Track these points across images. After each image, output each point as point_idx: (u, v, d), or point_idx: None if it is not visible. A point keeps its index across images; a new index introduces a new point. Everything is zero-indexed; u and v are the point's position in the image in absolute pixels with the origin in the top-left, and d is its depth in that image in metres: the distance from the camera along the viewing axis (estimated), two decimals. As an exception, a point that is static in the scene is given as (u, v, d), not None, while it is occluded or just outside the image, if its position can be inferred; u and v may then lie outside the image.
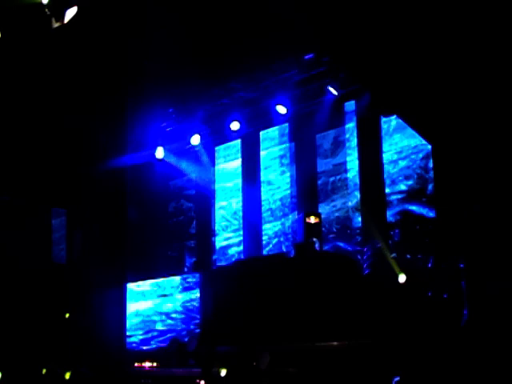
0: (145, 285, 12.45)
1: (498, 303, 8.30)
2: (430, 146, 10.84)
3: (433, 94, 9.05)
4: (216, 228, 13.88)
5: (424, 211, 10.76)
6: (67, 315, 12.72)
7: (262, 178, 13.38)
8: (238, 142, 13.83)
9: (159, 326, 11.98)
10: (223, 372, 9.45)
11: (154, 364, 10.68)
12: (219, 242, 13.79)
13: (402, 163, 11.36)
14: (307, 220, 10.95)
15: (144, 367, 10.73)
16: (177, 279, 12.09)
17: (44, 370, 11.01)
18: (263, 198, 13.27)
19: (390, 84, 9.75)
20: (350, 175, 12.01)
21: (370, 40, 9.42)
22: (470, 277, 8.80)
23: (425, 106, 9.35)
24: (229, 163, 14.04)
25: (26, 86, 11.55)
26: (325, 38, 10.51)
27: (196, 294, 11.69)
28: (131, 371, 10.64)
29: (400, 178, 11.33)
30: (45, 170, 13.17)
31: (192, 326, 11.44)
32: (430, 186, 10.86)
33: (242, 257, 13.04)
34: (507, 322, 8.06)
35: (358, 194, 11.74)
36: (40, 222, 14.47)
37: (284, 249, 12.39)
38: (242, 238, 13.37)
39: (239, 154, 13.82)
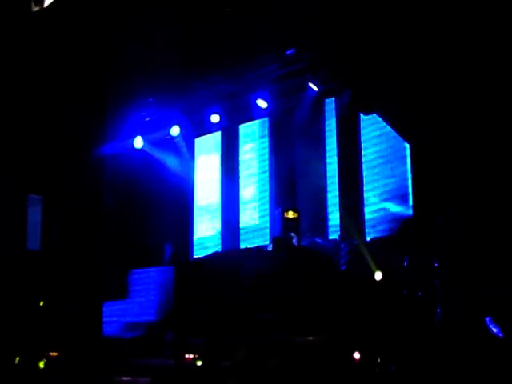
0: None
1: (471, 302, 8.50)
2: (407, 145, 11.01)
3: (412, 94, 9.18)
4: (194, 220, 13.92)
5: (401, 209, 10.93)
6: (41, 303, 12.66)
7: (241, 172, 13.45)
8: (218, 134, 13.85)
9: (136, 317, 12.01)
10: (199, 363, 9.53)
11: None
12: (197, 235, 13.84)
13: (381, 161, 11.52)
14: (285, 215, 11.07)
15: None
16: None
17: (17, 359, 10.96)
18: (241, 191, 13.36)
19: (370, 83, 9.88)
20: (329, 171, 12.12)
21: (352, 38, 9.53)
22: (444, 276, 8.98)
23: (404, 105, 9.50)
24: (208, 155, 14.08)
25: (4, 73, 11.43)
26: (307, 34, 10.63)
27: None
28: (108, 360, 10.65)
29: (378, 176, 11.48)
30: (22, 156, 13.05)
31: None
32: (407, 185, 11.02)
33: (220, 250, 13.11)
34: (479, 320, 8.26)
35: (336, 191, 11.87)
36: (15, 208, 14.33)
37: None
38: (220, 230, 13.44)
39: (219, 147, 13.86)
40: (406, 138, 10.56)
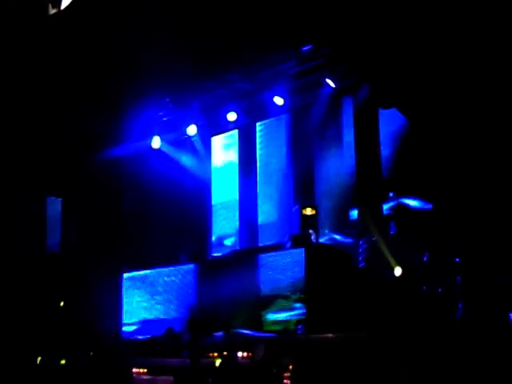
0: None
1: (493, 298, 8.36)
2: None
3: (432, 88, 9.06)
4: (212, 219, 13.88)
5: (421, 205, 10.79)
6: (62, 304, 12.73)
7: (259, 169, 13.40)
8: (235, 132, 13.81)
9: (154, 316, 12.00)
10: (218, 362, 9.50)
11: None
12: (215, 233, 13.80)
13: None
14: (303, 212, 10.98)
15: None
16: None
17: (39, 359, 11.03)
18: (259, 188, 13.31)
19: (389, 77, 9.76)
20: (347, 168, 12.02)
21: (369, 32, 9.43)
22: (466, 271, 8.85)
23: (424, 99, 9.37)
24: (225, 153, 14.04)
25: (22, 75, 11.50)
26: (323, 30, 10.53)
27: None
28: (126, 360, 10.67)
29: (397, 171, 11.35)
30: (40, 159, 13.13)
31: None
32: (428, 180, 10.88)
33: (238, 248, 13.06)
34: (501, 316, 8.12)
35: (355, 187, 11.76)
36: (34, 210, 14.43)
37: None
38: (238, 228, 13.39)
39: (236, 145, 13.81)
40: (427, 132, 10.43)
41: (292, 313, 9.96)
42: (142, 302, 12.12)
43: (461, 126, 8.99)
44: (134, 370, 10.41)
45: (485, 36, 8.39)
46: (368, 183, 11.59)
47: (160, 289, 12.00)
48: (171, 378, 10.00)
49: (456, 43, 8.61)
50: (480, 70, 8.56)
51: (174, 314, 11.60)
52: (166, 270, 12.06)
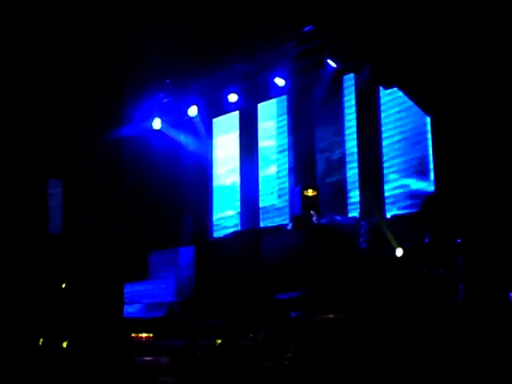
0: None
1: (494, 278, 8.33)
2: (428, 120, 10.79)
3: (434, 65, 8.96)
4: (213, 200, 13.87)
5: (422, 186, 10.75)
6: (63, 285, 12.75)
7: (260, 151, 13.35)
8: (236, 113, 13.74)
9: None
10: (218, 342, 9.51)
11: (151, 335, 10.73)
12: (216, 215, 13.79)
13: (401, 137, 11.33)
14: (305, 193, 10.95)
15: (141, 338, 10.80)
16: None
17: (41, 341, 11.06)
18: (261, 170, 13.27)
19: (390, 56, 9.66)
20: (348, 148, 11.96)
21: (369, 11, 9.32)
22: (467, 252, 8.82)
23: (425, 77, 9.27)
24: (226, 135, 13.99)
25: (21, 56, 11.44)
26: (323, 10, 10.42)
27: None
28: (128, 341, 10.70)
29: (399, 151, 11.30)
30: (41, 141, 13.10)
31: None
32: (428, 161, 10.83)
33: (239, 229, 13.05)
34: (502, 298, 8.09)
35: (356, 168, 11.72)
36: (35, 192, 14.41)
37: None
38: (239, 210, 13.38)
39: (237, 126, 13.75)
40: (428, 110, 10.34)
41: (293, 294, 9.96)
42: (144, 283, 12.17)
43: (465, 103, 8.90)
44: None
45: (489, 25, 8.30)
46: (369, 163, 11.54)
47: (160, 269, 12.03)
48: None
49: (464, 18, 8.51)
50: (482, 51, 8.46)
51: (175, 295, 11.63)
52: (167, 250, 12.07)
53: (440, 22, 8.49)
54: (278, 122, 13.20)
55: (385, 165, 11.40)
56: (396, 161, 11.29)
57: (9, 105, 12.28)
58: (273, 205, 12.86)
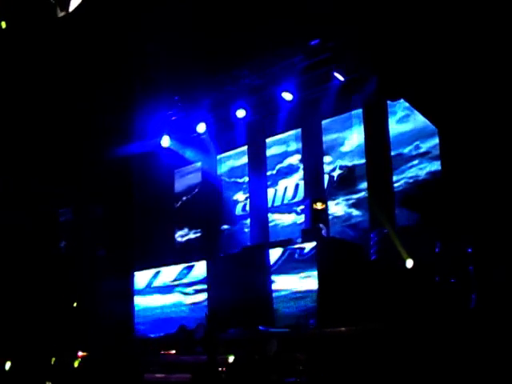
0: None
1: (506, 288, 8.25)
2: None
3: (440, 78, 8.98)
4: (223, 215, 13.87)
5: (431, 196, 10.70)
6: (75, 304, 12.77)
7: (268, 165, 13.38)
8: (244, 128, 13.78)
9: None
10: (231, 358, 9.44)
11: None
12: (227, 230, 13.78)
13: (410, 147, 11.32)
14: (314, 206, 10.93)
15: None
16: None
17: (53, 360, 11.05)
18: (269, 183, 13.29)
19: (397, 68, 9.69)
20: (356, 162, 11.96)
21: (377, 24, 9.35)
22: (478, 261, 8.74)
23: (432, 89, 9.28)
24: (234, 150, 14.03)
25: (35, 73, 11.56)
26: (331, 23, 10.46)
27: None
28: (140, 358, 10.66)
29: (407, 163, 11.27)
30: (52, 158, 13.22)
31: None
32: (438, 171, 10.80)
33: (249, 244, 13.02)
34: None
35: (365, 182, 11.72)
36: (47, 210, 14.51)
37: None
38: (248, 224, 13.37)
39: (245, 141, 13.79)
40: (436, 121, 10.34)
41: (304, 307, 9.91)
42: (154, 300, 12.12)
43: (471, 115, 8.90)
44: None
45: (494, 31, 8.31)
46: (378, 175, 11.53)
47: (173, 287, 12.00)
48: (185, 375, 9.96)
49: (468, 29, 8.52)
50: (485, 62, 8.47)
51: (186, 311, 11.58)
52: (177, 267, 12.04)
53: (447, 35, 8.52)
54: (286, 135, 13.26)
55: (394, 178, 11.38)
56: (405, 171, 11.26)
57: (21, 122, 12.41)
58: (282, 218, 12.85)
